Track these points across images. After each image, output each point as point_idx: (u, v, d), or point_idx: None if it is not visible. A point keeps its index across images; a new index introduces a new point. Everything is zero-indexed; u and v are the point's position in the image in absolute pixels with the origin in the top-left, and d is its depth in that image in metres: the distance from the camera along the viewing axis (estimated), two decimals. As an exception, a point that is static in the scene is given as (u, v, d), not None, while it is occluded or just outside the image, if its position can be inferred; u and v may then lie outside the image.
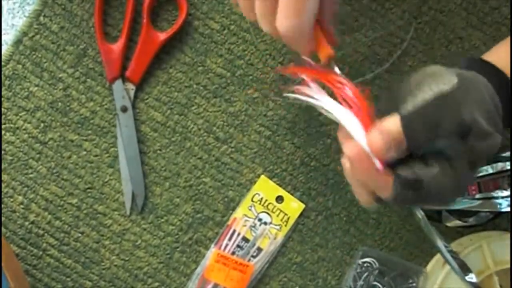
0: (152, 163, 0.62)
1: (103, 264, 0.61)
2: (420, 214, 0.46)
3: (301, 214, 0.62)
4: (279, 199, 0.62)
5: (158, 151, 0.62)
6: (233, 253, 0.61)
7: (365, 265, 0.60)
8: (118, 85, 0.61)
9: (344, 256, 0.62)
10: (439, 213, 0.59)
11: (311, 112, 0.62)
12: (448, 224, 0.59)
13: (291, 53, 0.63)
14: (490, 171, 0.57)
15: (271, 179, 0.62)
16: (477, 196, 0.57)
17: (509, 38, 0.52)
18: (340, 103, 0.42)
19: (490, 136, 0.39)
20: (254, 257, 0.61)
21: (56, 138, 0.61)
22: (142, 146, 0.62)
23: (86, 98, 0.62)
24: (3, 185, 0.61)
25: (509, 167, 0.57)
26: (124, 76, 0.62)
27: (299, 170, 0.62)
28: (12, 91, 0.62)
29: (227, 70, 0.63)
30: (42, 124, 0.61)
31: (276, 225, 0.62)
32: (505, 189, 0.57)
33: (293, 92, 0.47)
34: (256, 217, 0.62)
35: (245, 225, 0.61)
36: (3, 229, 0.61)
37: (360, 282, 0.60)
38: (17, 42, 0.62)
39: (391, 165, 0.39)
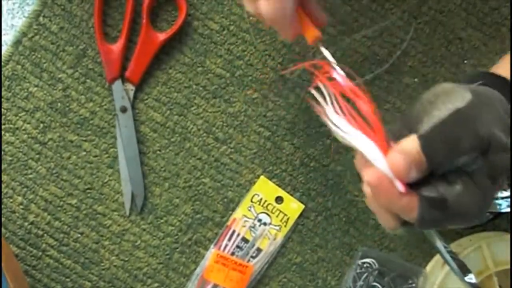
0: (152, 164, 0.62)
1: (102, 264, 0.61)
2: None
3: (300, 215, 0.62)
4: (279, 199, 0.62)
5: (158, 152, 0.62)
6: (232, 253, 0.61)
7: (364, 265, 0.60)
8: (117, 85, 0.61)
9: (344, 256, 0.62)
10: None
11: (311, 113, 0.62)
12: (448, 225, 0.59)
13: (291, 53, 0.63)
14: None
15: (270, 179, 0.62)
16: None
17: None
18: (355, 123, 0.41)
19: (509, 148, 0.39)
20: (253, 257, 0.61)
21: (56, 139, 0.61)
22: (142, 147, 0.62)
23: (85, 99, 0.62)
24: (2, 186, 0.61)
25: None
26: (123, 77, 0.62)
27: (299, 171, 0.62)
28: (12, 91, 0.62)
29: (226, 70, 0.63)
30: (41, 125, 0.61)
31: (275, 225, 0.62)
32: (505, 190, 0.57)
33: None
34: (256, 217, 0.62)
35: (244, 226, 0.61)
36: (2, 230, 0.61)
37: (360, 283, 0.60)
38: (17, 42, 0.62)
39: (413, 187, 0.39)
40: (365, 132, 0.40)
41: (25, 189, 0.61)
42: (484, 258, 0.57)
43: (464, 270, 0.51)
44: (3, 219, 0.61)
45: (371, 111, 0.41)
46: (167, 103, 0.62)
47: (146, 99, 0.62)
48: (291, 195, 0.62)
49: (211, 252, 0.61)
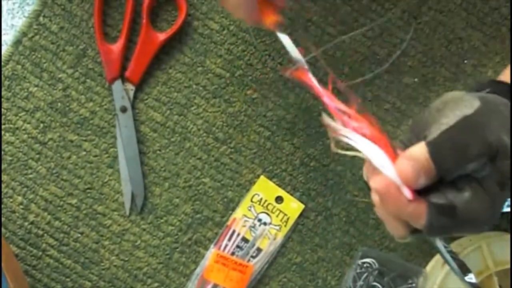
0: (152, 164, 0.62)
1: (102, 264, 0.61)
2: None
3: (300, 215, 0.62)
4: (279, 199, 0.62)
5: (158, 152, 0.62)
6: (232, 253, 0.61)
7: (364, 265, 0.60)
8: (117, 85, 0.61)
9: (344, 256, 0.62)
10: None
11: (311, 113, 0.62)
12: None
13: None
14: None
15: (270, 179, 0.62)
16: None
17: None
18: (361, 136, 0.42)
19: None
20: (253, 257, 0.61)
21: (56, 139, 0.61)
22: (142, 147, 0.62)
23: (85, 99, 0.62)
24: (2, 186, 0.61)
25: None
26: (123, 77, 0.62)
27: (299, 171, 0.62)
28: (12, 91, 0.62)
29: (226, 70, 0.63)
30: (41, 125, 0.61)
31: (275, 225, 0.62)
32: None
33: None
34: (256, 217, 0.62)
35: (244, 226, 0.61)
36: (2, 230, 0.61)
37: (360, 283, 0.60)
38: (17, 42, 0.62)
39: (421, 194, 0.39)
40: (372, 140, 0.40)
41: (25, 189, 0.61)
42: (484, 258, 0.57)
43: (464, 270, 0.51)
44: (3, 219, 0.61)
45: (368, 125, 0.41)
46: (167, 103, 0.62)
47: (146, 99, 0.62)
48: (291, 195, 0.62)
49: (211, 252, 0.61)
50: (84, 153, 0.62)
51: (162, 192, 0.62)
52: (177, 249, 0.61)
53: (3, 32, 0.63)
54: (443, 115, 0.39)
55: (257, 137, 0.62)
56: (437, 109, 0.40)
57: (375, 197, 0.41)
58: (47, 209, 0.61)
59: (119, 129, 0.61)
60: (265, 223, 0.62)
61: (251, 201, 0.61)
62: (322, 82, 0.63)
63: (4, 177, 0.61)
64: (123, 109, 0.61)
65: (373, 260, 0.60)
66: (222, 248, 0.61)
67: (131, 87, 0.62)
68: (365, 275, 0.60)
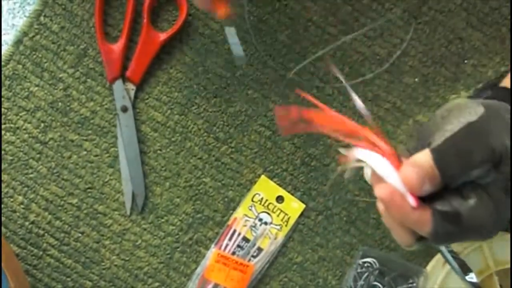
0: (152, 163, 0.62)
1: (103, 264, 0.61)
2: None
3: (301, 214, 0.62)
4: (280, 199, 0.62)
5: (158, 151, 0.62)
6: (233, 253, 0.61)
7: (365, 265, 0.60)
8: (118, 85, 0.61)
9: (345, 256, 0.62)
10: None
11: (311, 112, 0.62)
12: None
13: (290, 54, 0.63)
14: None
15: (271, 179, 0.62)
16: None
17: None
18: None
19: None
20: (254, 257, 0.61)
21: (56, 138, 0.61)
22: (143, 146, 0.62)
23: (86, 98, 0.62)
24: (3, 185, 0.61)
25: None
26: (124, 76, 0.62)
27: (300, 170, 0.62)
28: (13, 91, 0.62)
29: (227, 70, 0.63)
30: (42, 124, 0.61)
31: (276, 225, 0.62)
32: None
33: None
34: (257, 217, 0.62)
35: (245, 225, 0.61)
36: (3, 229, 0.61)
37: (361, 282, 0.60)
38: (18, 42, 0.62)
39: (426, 201, 0.39)
40: (375, 149, 0.40)
41: (25, 188, 0.61)
42: (484, 258, 0.57)
43: (465, 269, 0.51)
44: (3, 218, 0.61)
45: (374, 135, 0.40)
46: (168, 103, 0.62)
47: (147, 99, 0.62)
48: (292, 194, 0.62)
49: (212, 252, 0.61)
50: (85, 152, 0.62)
51: (163, 191, 0.62)
52: (178, 249, 0.61)
53: (3, 31, 0.63)
54: (447, 122, 0.39)
55: (257, 137, 0.62)
56: (442, 116, 0.40)
57: (380, 206, 0.41)
58: (47, 209, 0.61)
59: (120, 129, 0.61)
60: (266, 223, 0.62)
61: (252, 200, 0.62)
62: (323, 81, 0.64)
63: (4, 177, 0.61)
64: (124, 109, 0.61)
65: (374, 260, 0.60)
66: (223, 247, 0.61)
67: (131, 87, 0.62)
68: (366, 274, 0.60)
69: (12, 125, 0.61)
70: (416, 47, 0.63)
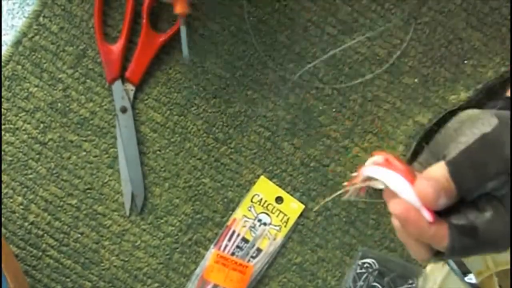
0: (152, 164, 0.62)
1: (102, 264, 0.61)
2: None
3: (300, 215, 0.62)
4: (279, 199, 0.62)
5: (158, 152, 0.62)
6: (232, 253, 0.61)
7: (364, 265, 0.60)
8: (117, 85, 0.61)
9: (344, 256, 0.62)
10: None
11: (311, 113, 0.62)
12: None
13: (290, 54, 0.63)
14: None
15: (270, 179, 0.62)
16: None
17: None
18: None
19: None
20: (253, 257, 0.61)
21: (56, 139, 0.61)
22: (142, 147, 0.62)
23: (85, 99, 0.62)
24: (2, 186, 0.61)
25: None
26: (123, 77, 0.62)
27: (299, 171, 0.62)
28: (12, 91, 0.62)
29: (226, 71, 0.63)
30: (41, 125, 0.62)
31: (275, 225, 0.62)
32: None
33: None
34: (256, 217, 0.62)
35: (244, 226, 0.61)
36: (3, 230, 0.61)
37: (360, 283, 0.60)
38: (17, 43, 0.62)
39: (442, 215, 0.39)
40: (388, 166, 0.40)
41: (25, 189, 0.61)
42: (484, 258, 0.57)
43: (464, 270, 0.51)
44: (3, 219, 0.61)
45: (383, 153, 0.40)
46: (167, 104, 0.62)
47: (146, 100, 0.62)
48: (291, 195, 0.62)
49: (211, 252, 0.61)
50: (84, 153, 0.62)
51: (162, 192, 0.62)
52: (177, 250, 0.61)
53: (3, 32, 0.63)
54: (461, 134, 0.39)
55: (257, 138, 0.62)
56: (454, 128, 0.40)
57: (395, 222, 0.41)
58: (47, 210, 0.61)
59: (119, 130, 0.61)
60: (265, 224, 0.62)
61: (251, 201, 0.61)
62: (322, 82, 0.63)
63: (4, 178, 0.61)
64: (123, 110, 0.61)
65: (373, 260, 0.60)
66: (222, 248, 0.61)
67: (131, 88, 0.62)
68: (365, 275, 0.60)
69: (11, 126, 0.61)
70: (416, 47, 0.63)
